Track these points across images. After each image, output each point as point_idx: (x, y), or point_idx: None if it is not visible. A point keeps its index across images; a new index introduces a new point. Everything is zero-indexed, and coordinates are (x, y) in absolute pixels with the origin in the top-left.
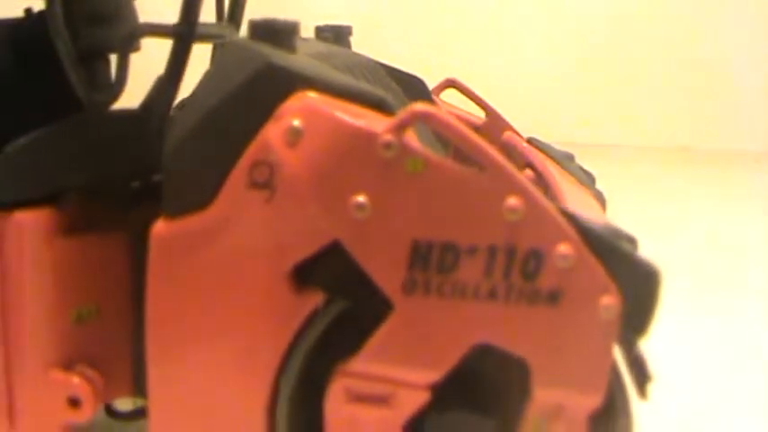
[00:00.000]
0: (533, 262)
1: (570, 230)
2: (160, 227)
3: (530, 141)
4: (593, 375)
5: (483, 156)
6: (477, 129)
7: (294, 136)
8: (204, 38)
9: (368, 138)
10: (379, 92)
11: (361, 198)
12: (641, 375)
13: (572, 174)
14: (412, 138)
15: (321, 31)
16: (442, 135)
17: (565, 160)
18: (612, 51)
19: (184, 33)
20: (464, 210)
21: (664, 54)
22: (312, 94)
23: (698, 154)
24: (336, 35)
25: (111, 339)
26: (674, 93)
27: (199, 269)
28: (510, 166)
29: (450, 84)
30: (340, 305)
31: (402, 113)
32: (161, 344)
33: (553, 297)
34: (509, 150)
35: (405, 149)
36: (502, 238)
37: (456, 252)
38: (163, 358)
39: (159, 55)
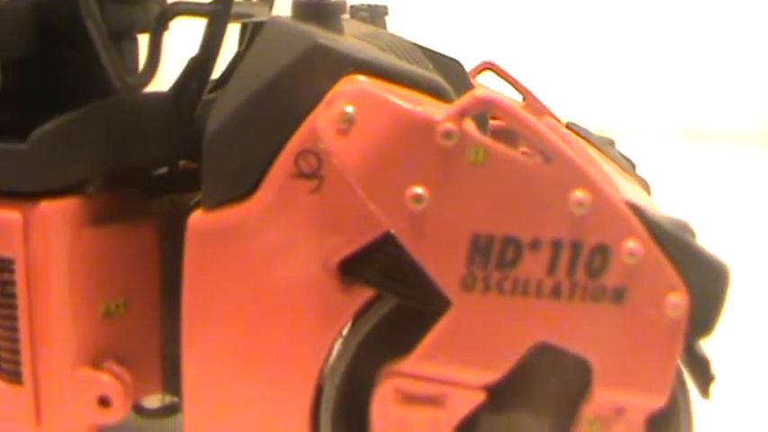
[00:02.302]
0: (599, 258)
1: (637, 225)
2: (198, 218)
3: (569, 126)
4: (657, 376)
5: (549, 146)
6: None
7: (346, 123)
8: (238, 17)
9: (427, 126)
10: (435, 77)
11: (418, 189)
12: (704, 375)
13: (613, 160)
14: (472, 126)
15: (357, 11)
16: (504, 123)
17: (605, 146)
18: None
19: (220, 12)
20: (527, 202)
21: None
22: (364, 78)
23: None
24: (373, 14)
25: (140, 335)
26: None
27: (239, 263)
28: (577, 158)
29: (488, 66)
30: (390, 302)
31: (463, 100)
32: (197, 341)
33: (618, 295)
34: None
35: (466, 138)
36: (567, 233)
37: (518, 247)
38: (199, 357)
39: (188, 35)
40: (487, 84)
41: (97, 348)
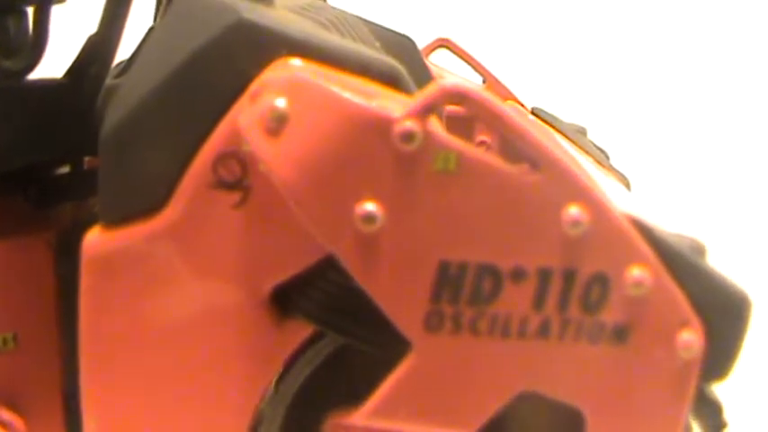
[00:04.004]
0: (597, 289)
1: (644, 248)
2: (95, 237)
3: (534, 112)
4: (664, 427)
5: (538, 150)
6: None
7: (277, 121)
8: None
9: (381, 125)
10: (390, 60)
11: (369, 205)
12: (715, 423)
13: (587, 152)
14: (438, 125)
15: None
16: (477, 120)
17: (576, 135)
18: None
19: None
20: (510, 221)
21: None
22: (300, 63)
23: None
24: None
25: (34, 373)
26: None
27: (146, 292)
28: (572, 165)
29: (443, 44)
30: (334, 341)
31: (428, 92)
32: (99, 386)
33: (620, 333)
34: None
35: (431, 141)
36: (559, 259)
37: (497, 276)
38: (102, 405)
39: (90, 8)
40: (442, 64)
41: None
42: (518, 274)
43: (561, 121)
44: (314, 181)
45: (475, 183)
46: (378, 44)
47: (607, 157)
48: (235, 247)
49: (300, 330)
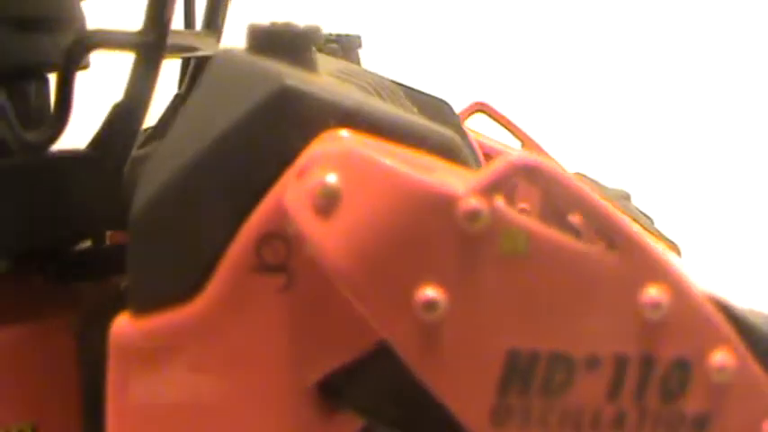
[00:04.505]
0: (678, 376)
1: (727, 330)
2: (124, 325)
3: (580, 178)
4: None
5: (614, 226)
6: None
7: (327, 199)
8: (176, 50)
9: (444, 202)
10: (446, 131)
11: (431, 291)
12: None
13: (632, 217)
14: (504, 204)
15: (324, 42)
16: (551, 197)
17: (621, 201)
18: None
19: (152, 43)
20: (584, 305)
21: None
22: (351, 135)
23: None
24: (344, 47)
25: None
26: None
27: (182, 384)
28: (650, 242)
29: (480, 108)
30: None
31: (495, 166)
32: None
33: (701, 424)
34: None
35: (499, 220)
36: (636, 344)
37: (570, 366)
38: None
39: (115, 74)
40: (479, 129)
41: None
42: (593, 363)
43: (605, 187)
44: (370, 265)
45: (547, 265)
46: (415, 109)
47: (652, 222)
48: (278, 335)
49: (349, 425)
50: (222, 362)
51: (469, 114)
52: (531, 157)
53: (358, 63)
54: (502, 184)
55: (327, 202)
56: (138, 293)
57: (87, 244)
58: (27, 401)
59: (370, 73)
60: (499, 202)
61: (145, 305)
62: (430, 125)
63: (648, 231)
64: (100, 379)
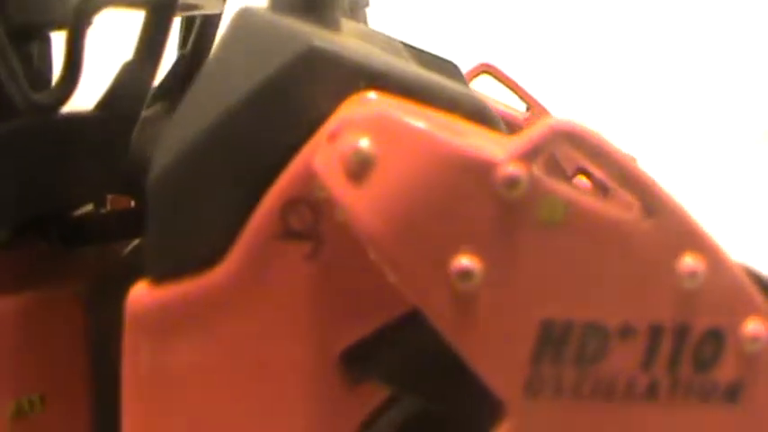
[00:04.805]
0: (711, 345)
1: (761, 300)
2: (143, 292)
3: None
4: None
5: (652, 194)
6: (513, 121)
7: (360, 164)
8: (186, 8)
9: (482, 168)
10: (477, 95)
11: (466, 260)
12: None
13: None
14: (542, 171)
15: None
16: (585, 161)
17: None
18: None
19: (163, 1)
20: (620, 273)
21: None
22: (384, 98)
23: None
24: (351, 6)
25: None
26: None
27: (203, 353)
28: (687, 211)
29: (485, 69)
30: (412, 406)
31: (535, 131)
32: None
33: (733, 392)
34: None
35: (537, 187)
36: (671, 314)
37: (604, 335)
38: None
39: (121, 33)
40: (485, 90)
41: None
42: (627, 332)
43: None
44: (404, 233)
45: (584, 233)
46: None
47: None
48: (304, 303)
49: (374, 395)
50: (245, 330)
51: (475, 75)
52: (572, 122)
53: (365, 22)
54: (542, 150)
55: (360, 167)
56: (156, 261)
57: (88, 208)
58: (34, 373)
59: (379, 33)
60: (538, 169)
61: (164, 273)
62: (461, 88)
63: None
64: (110, 348)
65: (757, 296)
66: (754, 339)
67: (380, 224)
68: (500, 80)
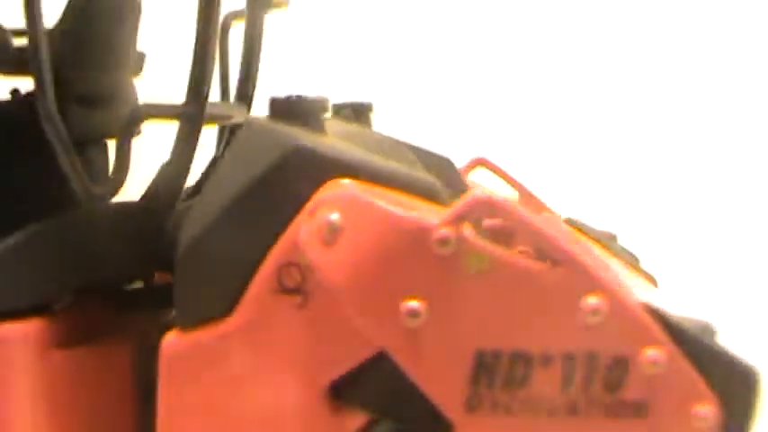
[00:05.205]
0: (618, 369)
1: (658, 331)
2: (172, 339)
3: (568, 222)
4: None
5: (557, 248)
6: None
7: (331, 233)
8: (214, 119)
9: (421, 232)
10: (428, 177)
11: (414, 303)
12: None
13: (615, 254)
14: (471, 231)
15: (340, 109)
16: (505, 224)
17: (607, 241)
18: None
19: (193, 114)
20: (537, 313)
21: None
22: (350, 183)
23: None
24: (357, 113)
25: None
26: None
27: (219, 387)
28: (589, 260)
29: (480, 163)
30: (386, 427)
31: (461, 202)
32: None
33: (640, 409)
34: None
35: (464, 245)
36: (581, 344)
37: (528, 362)
38: None
39: (162, 140)
40: (481, 181)
41: None
42: (546, 360)
43: (593, 229)
44: (364, 284)
45: (505, 280)
46: (419, 165)
47: (637, 260)
48: (297, 344)
49: (355, 419)
50: (252, 368)
51: (471, 168)
52: (490, 194)
53: (369, 126)
54: (467, 216)
55: (331, 235)
56: (184, 313)
57: (139, 283)
58: (86, 414)
59: (378, 134)
60: (467, 230)
61: (190, 321)
62: (415, 174)
63: (630, 264)
64: (152, 393)
65: (654, 328)
66: (654, 363)
67: (345, 279)
68: (493, 171)
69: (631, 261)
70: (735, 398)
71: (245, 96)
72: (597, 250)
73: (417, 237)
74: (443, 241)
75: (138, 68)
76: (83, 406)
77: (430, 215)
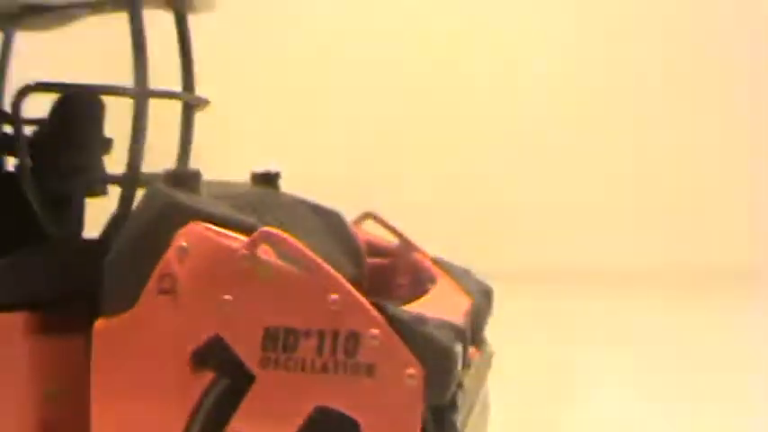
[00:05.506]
0: (352, 342)
1: (379, 318)
2: (100, 323)
3: (434, 261)
4: (405, 428)
5: (311, 262)
6: (389, 250)
7: (182, 254)
8: (144, 184)
9: (231, 252)
10: (250, 220)
11: (227, 296)
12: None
13: (463, 283)
14: (267, 252)
15: (255, 175)
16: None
17: (461, 273)
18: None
19: (129, 183)
20: (300, 303)
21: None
22: (196, 224)
23: None
24: (266, 179)
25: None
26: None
27: (127, 356)
28: (332, 270)
29: (369, 216)
30: (222, 381)
31: (254, 234)
32: (103, 418)
33: (370, 369)
34: (417, 268)
35: (257, 260)
36: (328, 324)
37: (296, 335)
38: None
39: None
40: (371, 231)
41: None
42: (307, 333)
43: (453, 265)
44: (200, 285)
45: (280, 282)
46: (310, 216)
47: (488, 290)
48: (171, 327)
49: (207, 376)
50: (145, 343)
51: (361, 220)
52: (275, 231)
53: (277, 189)
54: (258, 242)
55: (182, 255)
56: (106, 307)
57: None
58: (60, 378)
59: (269, 193)
60: (262, 250)
61: (110, 312)
62: (242, 218)
63: (467, 290)
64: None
65: (377, 315)
66: (374, 338)
67: (190, 282)
68: (379, 223)
69: (474, 287)
70: (436, 365)
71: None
72: (442, 278)
73: (230, 254)
74: (242, 258)
75: (107, 150)
76: (54, 375)
77: (240, 240)
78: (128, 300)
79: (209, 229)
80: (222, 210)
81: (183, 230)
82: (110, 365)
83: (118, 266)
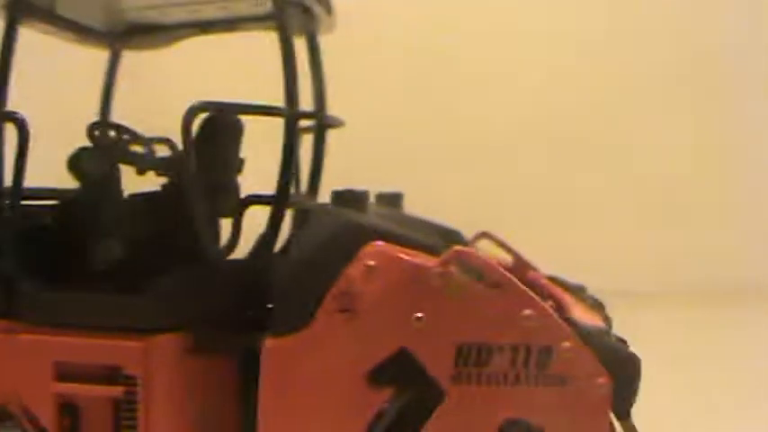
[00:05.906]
0: (545, 355)
1: (570, 331)
2: (271, 342)
3: (550, 278)
4: None
5: (505, 279)
6: (506, 269)
7: (370, 272)
8: (294, 205)
9: (424, 271)
10: (430, 240)
11: (419, 314)
12: None
13: (583, 299)
14: (456, 270)
15: (381, 197)
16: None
17: (576, 289)
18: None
19: (281, 202)
20: (493, 319)
21: None
22: (382, 243)
23: None
24: (391, 200)
25: None
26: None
27: (299, 374)
28: (524, 287)
29: (483, 235)
30: (405, 397)
31: (447, 254)
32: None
33: (562, 380)
34: (533, 285)
35: (450, 278)
36: (521, 338)
37: (489, 350)
38: None
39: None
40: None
41: None
42: (500, 349)
43: (567, 282)
44: (390, 302)
45: (472, 299)
46: (434, 234)
47: (602, 305)
48: (348, 345)
49: (386, 391)
50: (320, 362)
51: (477, 239)
52: (465, 249)
53: (401, 209)
54: (450, 262)
55: (369, 273)
56: (278, 325)
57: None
58: (208, 401)
59: (405, 214)
60: (453, 268)
61: (282, 331)
62: (422, 237)
63: (590, 306)
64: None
65: (568, 329)
66: (568, 351)
67: (379, 300)
68: (493, 241)
69: (594, 303)
70: (621, 375)
71: (314, 188)
72: (565, 294)
73: (422, 273)
74: (437, 275)
75: (240, 169)
76: (204, 398)
77: (429, 261)
78: (302, 318)
79: (397, 249)
80: (399, 230)
81: (368, 250)
82: (280, 383)
83: (291, 286)
